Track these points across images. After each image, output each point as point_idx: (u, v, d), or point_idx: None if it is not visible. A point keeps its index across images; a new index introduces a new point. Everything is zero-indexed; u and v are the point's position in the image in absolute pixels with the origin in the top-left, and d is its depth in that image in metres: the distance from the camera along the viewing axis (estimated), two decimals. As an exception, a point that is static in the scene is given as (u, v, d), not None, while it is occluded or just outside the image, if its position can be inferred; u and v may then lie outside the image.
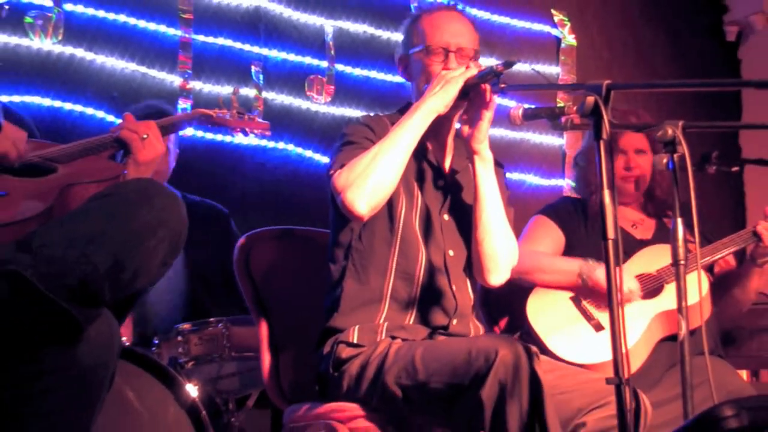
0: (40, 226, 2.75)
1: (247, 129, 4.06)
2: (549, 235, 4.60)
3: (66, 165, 3.35)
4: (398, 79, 6.46)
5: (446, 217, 3.81)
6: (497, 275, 3.76)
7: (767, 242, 4.47)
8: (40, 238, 2.57)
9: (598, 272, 4.31)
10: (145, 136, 3.61)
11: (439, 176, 3.84)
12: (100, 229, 2.62)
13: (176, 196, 2.90)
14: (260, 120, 4.07)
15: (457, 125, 3.84)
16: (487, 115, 3.64)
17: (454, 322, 3.74)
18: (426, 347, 3.49)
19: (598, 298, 4.36)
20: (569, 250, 4.57)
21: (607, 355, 4.12)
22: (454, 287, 3.75)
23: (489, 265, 3.73)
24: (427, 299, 3.73)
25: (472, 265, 3.80)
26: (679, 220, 3.14)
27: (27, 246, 2.56)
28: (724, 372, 4.18)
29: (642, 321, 4.32)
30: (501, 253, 3.74)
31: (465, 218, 3.80)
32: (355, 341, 3.62)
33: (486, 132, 3.68)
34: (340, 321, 3.70)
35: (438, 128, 3.74)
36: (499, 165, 3.92)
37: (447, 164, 3.89)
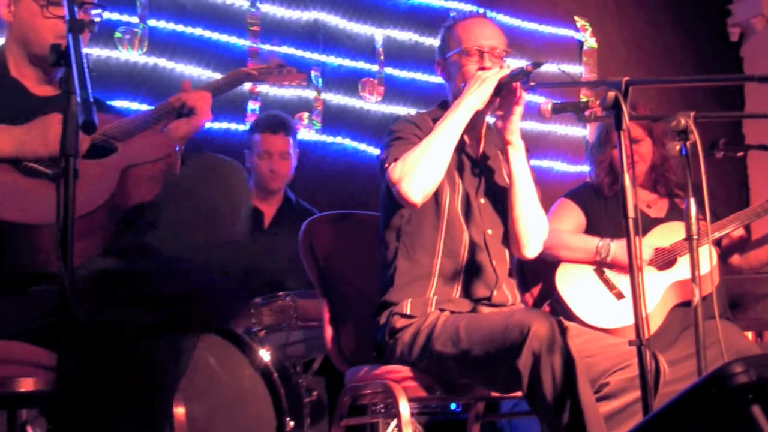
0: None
1: (286, 82, 4.01)
2: (572, 216, 4.58)
3: (124, 143, 3.20)
4: (440, 80, 6.40)
5: (482, 200, 3.81)
6: (532, 248, 3.79)
7: None
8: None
9: (613, 249, 4.33)
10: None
11: (474, 164, 3.85)
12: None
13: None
14: (298, 72, 3.98)
15: (489, 119, 3.85)
16: (518, 110, 3.67)
17: (495, 293, 3.74)
18: (469, 319, 3.51)
19: (618, 270, 4.35)
20: (590, 229, 4.55)
21: (626, 321, 4.14)
22: (494, 262, 3.76)
23: (524, 240, 3.76)
24: (471, 274, 3.73)
25: (509, 241, 3.81)
26: (692, 200, 3.14)
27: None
28: (733, 334, 4.16)
29: (658, 290, 4.30)
30: (535, 229, 3.77)
31: (498, 199, 3.82)
32: (408, 313, 3.64)
33: (518, 124, 3.71)
34: (395, 295, 3.71)
35: (473, 121, 3.72)
36: (525, 151, 3.91)
37: (479, 150, 3.89)
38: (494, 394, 3.65)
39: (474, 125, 3.77)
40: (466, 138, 3.82)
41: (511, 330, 3.27)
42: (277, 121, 5.38)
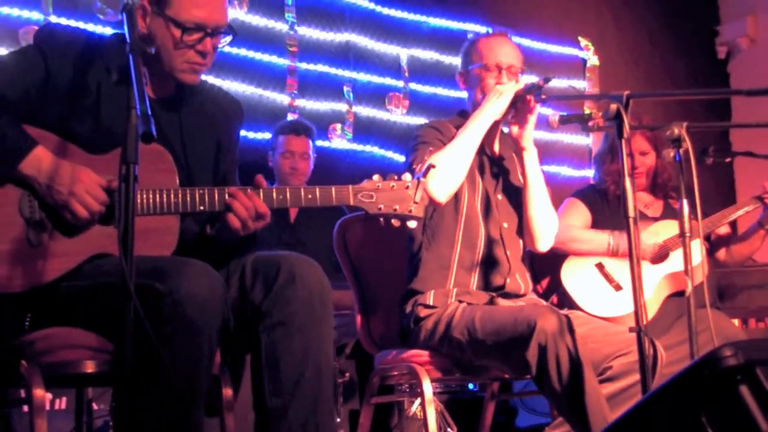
0: None
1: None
2: (580, 213, 4.58)
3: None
4: (459, 94, 6.43)
5: (500, 196, 3.83)
6: (545, 242, 3.81)
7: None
8: None
9: (622, 244, 4.31)
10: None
11: (492, 164, 3.86)
12: None
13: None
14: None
15: (505, 128, 3.86)
16: (532, 119, 3.70)
17: (508, 280, 3.74)
18: (484, 311, 3.52)
19: (619, 264, 4.34)
20: (594, 226, 4.55)
21: (624, 310, 4.21)
22: (508, 252, 3.77)
23: (537, 235, 3.78)
24: (487, 264, 3.75)
25: (524, 235, 3.82)
26: (685, 201, 3.15)
27: None
28: (722, 321, 4.15)
29: (653, 281, 4.31)
30: (547, 225, 3.80)
31: (513, 195, 3.84)
32: (431, 303, 3.65)
33: (531, 132, 3.73)
34: (419, 284, 3.73)
35: (491, 129, 3.74)
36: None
37: (495, 152, 3.90)
38: (507, 375, 3.66)
39: (491, 131, 3.78)
40: (485, 139, 3.83)
41: (520, 323, 3.29)
42: (301, 125, 5.43)
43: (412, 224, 2.83)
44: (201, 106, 3.08)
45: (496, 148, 3.91)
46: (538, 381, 3.29)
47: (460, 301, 3.64)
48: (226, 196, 2.74)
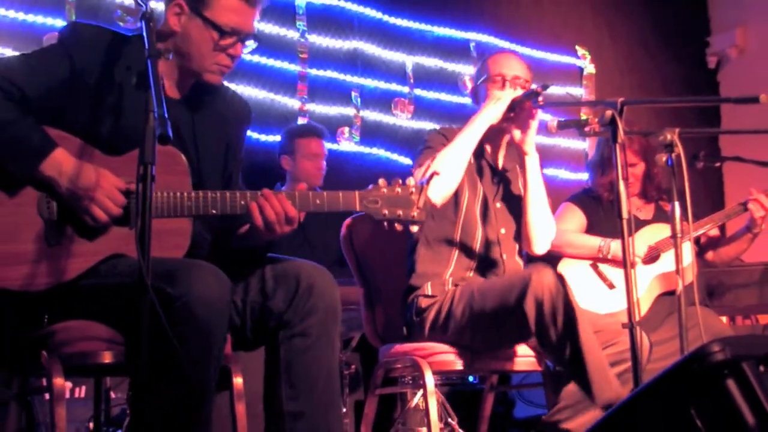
0: None
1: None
2: (575, 218, 4.56)
3: None
4: (461, 99, 6.48)
5: (498, 204, 3.82)
6: (541, 246, 3.79)
7: (754, 213, 4.43)
8: None
9: (613, 247, 4.31)
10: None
11: (494, 173, 3.85)
12: None
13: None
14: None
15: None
16: (534, 124, 3.68)
17: (502, 277, 3.76)
18: (481, 283, 3.58)
19: (611, 264, 4.34)
20: (589, 228, 4.54)
21: (616, 307, 4.21)
22: (504, 255, 3.77)
23: (534, 237, 3.76)
24: (483, 265, 3.75)
25: (522, 238, 3.81)
26: (677, 204, 3.15)
27: None
28: (710, 318, 4.14)
29: (644, 280, 4.30)
30: (544, 230, 3.78)
31: (513, 205, 3.82)
32: (429, 293, 3.66)
33: (533, 137, 3.71)
34: (417, 280, 3.74)
35: (495, 136, 3.77)
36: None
37: (500, 164, 3.89)
38: (508, 367, 3.66)
39: (496, 139, 3.80)
40: (489, 149, 3.85)
41: (516, 281, 3.33)
42: (319, 128, 5.42)
43: (414, 228, 2.84)
44: (213, 107, 3.05)
45: (501, 159, 3.90)
46: (537, 332, 3.30)
47: (457, 285, 3.66)
48: (259, 198, 2.73)
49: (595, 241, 4.38)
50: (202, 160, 2.94)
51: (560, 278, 3.31)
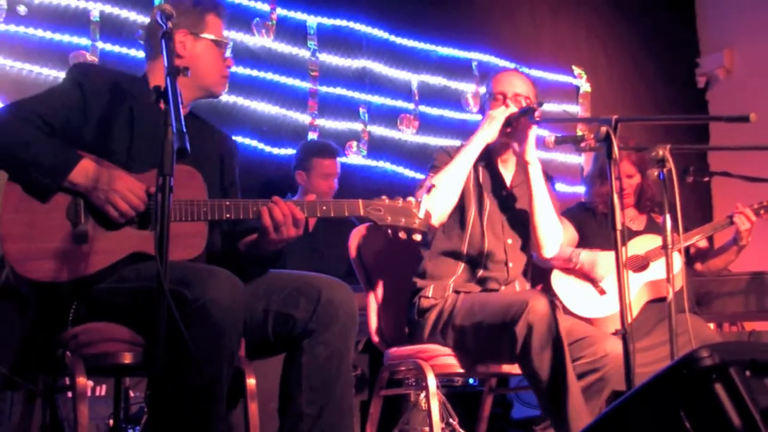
0: None
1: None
2: (566, 230, 4.56)
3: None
4: (464, 116, 6.48)
5: (505, 217, 3.80)
6: (550, 249, 3.76)
7: (739, 227, 4.47)
8: None
9: (581, 257, 4.35)
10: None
11: (503, 188, 3.84)
12: None
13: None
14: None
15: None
16: (531, 134, 3.66)
17: (503, 288, 3.75)
18: (482, 297, 3.57)
19: (578, 276, 4.39)
20: (583, 240, 4.55)
21: (606, 312, 4.24)
22: (510, 264, 3.76)
23: (543, 241, 3.73)
24: (488, 275, 3.74)
25: (531, 244, 3.79)
26: (668, 216, 3.16)
27: None
28: (699, 325, 4.14)
29: (634, 288, 4.30)
30: (552, 233, 3.74)
31: (520, 218, 3.79)
32: (430, 295, 3.67)
33: (532, 146, 3.69)
34: (422, 282, 3.76)
35: (502, 150, 3.78)
36: (549, 177, 3.95)
37: (509, 179, 3.88)
38: (504, 369, 3.64)
39: (503, 153, 3.82)
40: (497, 163, 3.86)
41: (514, 303, 3.32)
42: (335, 148, 5.40)
43: (417, 237, 2.89)
44: (203, 126, 3.22)
45: (510, 176, 3.88)
46: (521, 358, 3.29)
47: (457, 292, 3.66)
48: (269, 203, 2.82)
49: (566, 251, 4.37)
50: (205, 175, 2.98)
51: (553, 305, 3.30)
